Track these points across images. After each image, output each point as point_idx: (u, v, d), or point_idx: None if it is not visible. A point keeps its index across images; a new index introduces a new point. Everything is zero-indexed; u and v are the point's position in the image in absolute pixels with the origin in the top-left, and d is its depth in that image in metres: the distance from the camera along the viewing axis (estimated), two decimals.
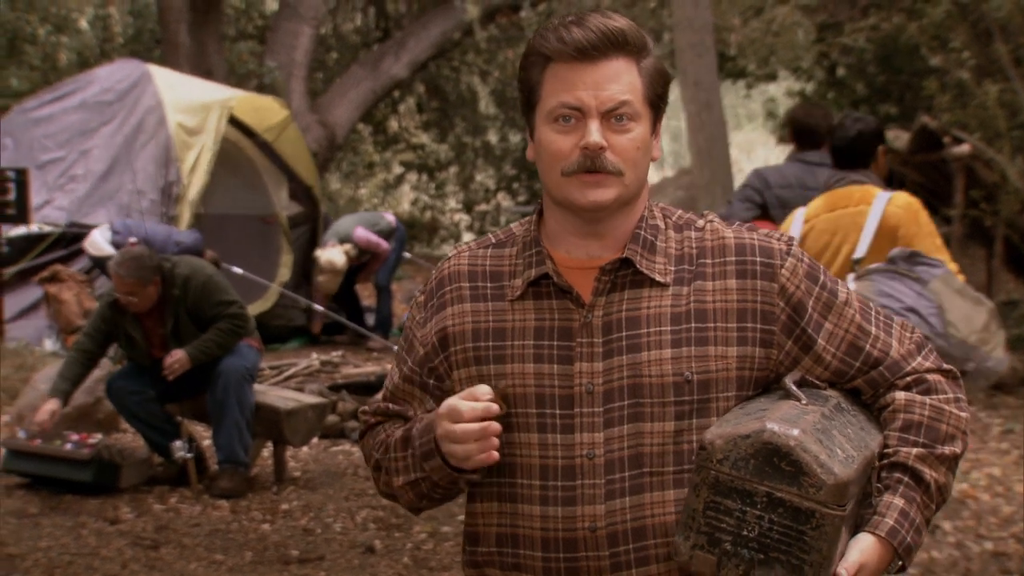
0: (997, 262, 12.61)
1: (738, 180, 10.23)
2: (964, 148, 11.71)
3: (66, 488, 6.92)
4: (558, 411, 2.13)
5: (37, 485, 7.03)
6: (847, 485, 1.95)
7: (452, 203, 24.13)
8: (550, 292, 2.17)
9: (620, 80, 2.10)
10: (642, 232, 2.17)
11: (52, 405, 6.84)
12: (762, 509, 1.97)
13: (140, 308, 6.84)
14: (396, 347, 2.19)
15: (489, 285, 2.22)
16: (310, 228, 12.64)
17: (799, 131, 6.80)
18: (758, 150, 28.63)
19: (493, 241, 2.27)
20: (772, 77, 21.86)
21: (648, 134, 2.15)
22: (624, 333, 2.13)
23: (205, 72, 15.51)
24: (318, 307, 11.47)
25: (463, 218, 23.90)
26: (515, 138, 24.13)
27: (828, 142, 6.75)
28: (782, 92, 24.17)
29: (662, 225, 2.20)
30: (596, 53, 2.09)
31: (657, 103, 2.16)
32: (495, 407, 2.07)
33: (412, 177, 24.51)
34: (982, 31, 10.69)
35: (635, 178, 2.13)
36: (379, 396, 2.37)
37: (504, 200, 23.48)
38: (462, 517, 6.88)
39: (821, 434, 1.99)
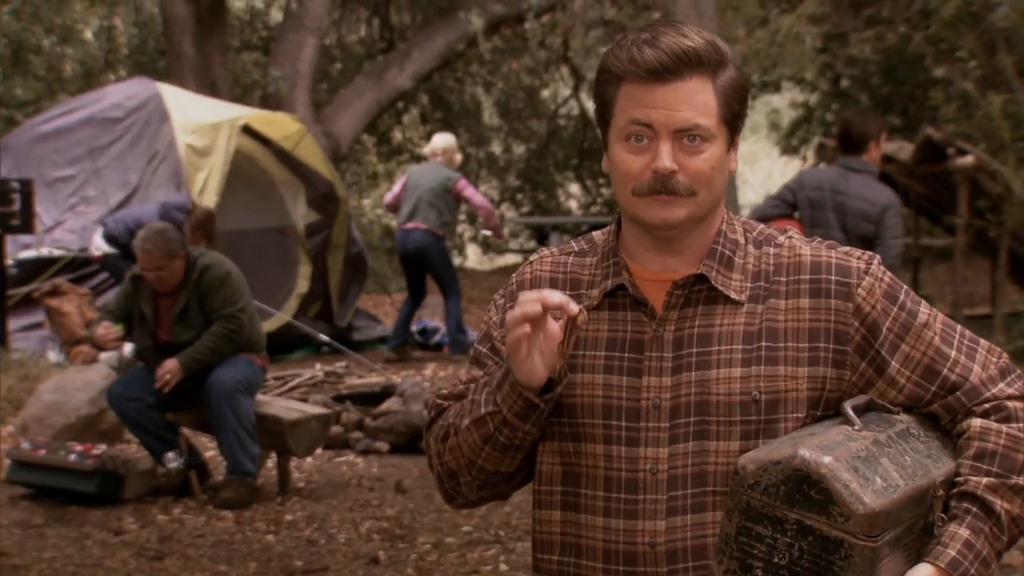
0: (1001, 273, 12.60)
1: (741, 191, 10.28)
2: (968, 159, 11.71)
3: (70, 499, 6.92)
4: (624, 423, 2.12)
5: (41, 496, 7.03)
6: (878, 515, 1.91)
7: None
8: (625, 303, 2.16)
9: (693, 101, 2.06)
10: (719, 247, 2.15)
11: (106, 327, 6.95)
12: (792, 537, 1.94)
13: (166, 285, 6.91)
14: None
15: (568, 293, 2.17)
16: (326, 235, 12.62)
17: (840, 136, 7.19)
18: (762, 161, 28.61)
19: (575, 249, 2.26)
20: (776, 88, 21.89)
21: (723, 152, 2.11)
22: (695, 349, 2.11)
23: (209, 83, 15.54)
24: (323, 337, 11.45)
25: (467, 229, 23.93)
26: (519, 149, 24.15)
27: (871, 148, 6.95)
28: (786, 103, 24.20)
29: (742, 240, 2.17)
30: (668, 74, 2.05)
31: (734, 120, 2.12)
32: (561, 299, 2.00)
33: None
34: (987, 42, 10.69)
35: (709, 197, 2.10)
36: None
37: (508, 211, 23.49)
38: (466, 528, 6.89)
39: (860, 462, 1.95)
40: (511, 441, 2.12)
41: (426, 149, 11.87)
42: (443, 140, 11.85)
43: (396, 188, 11.76)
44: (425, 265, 11.58)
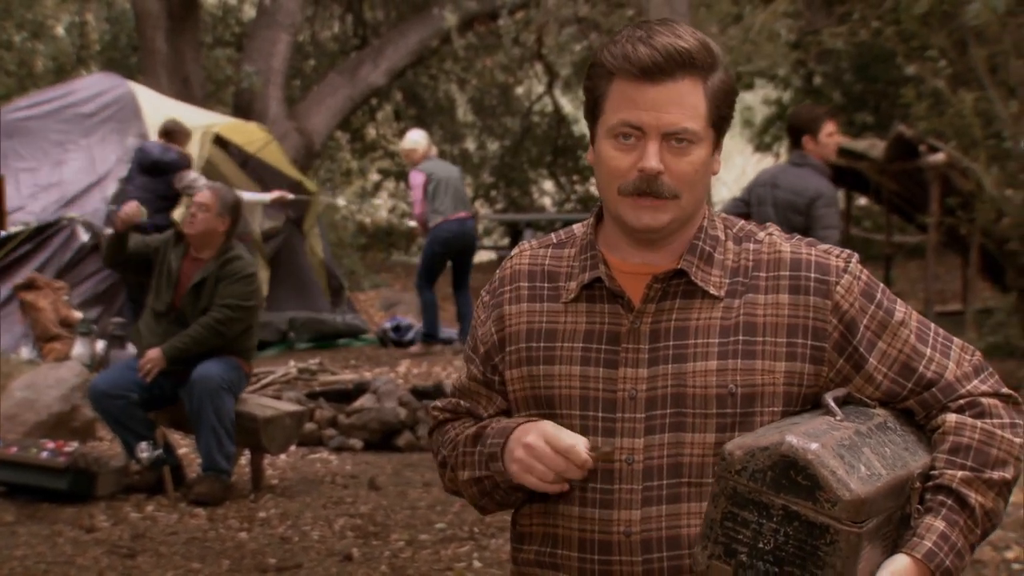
0: (973, 270, 12.66)
1: (715, 188, 10.31)
2: (940, 157, 11.76)
3: (42, 496, 6.89)
4: (600, 414, 2.14)
5: (13, 493, 6.99)
6: (864, 502, 1.93)
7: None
8: (603, 296, 2.19)
9: (684, 103, 2.08)
10: (700, 243, 2.17)
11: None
12: (778, 522, 1.96)
13: (198, 238, 7.05)
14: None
15: (546, 286, 2.24)
16: (285, 237, 12.68)
17: (787, 130, 7.33)
18: (735, 158, 28.67)
19: (554, 241, 2.29)
20: (749, 85, 21.93)
21: (709, 154, 2.14)
22: (671, 342, 2.14)
23: (182, 79, 15.49)
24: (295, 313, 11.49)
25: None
26: (493, 146, 24.14)
27: (806, 141, 7.10)
28: (759, 100, 24.26)
29: (722, 236, 2.20)
30: (661, 74, 2.07)
31: (721, 123, 2.14)
32: (577, 472, 2.10)
33: (390, 184, 24.49)
34: (958, 39, 10.74)
35: (692, 199, 2.13)
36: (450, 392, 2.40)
37: (482, 208, 23.48)
38: (440, 525, 6.87)
39: (845, 450, 1.98)
40: (507, 500, 2.24)
41: (419, 146, 11.75)
42: (425, 135, 11.97)
43: (419, 193, 11.63)
44: (469, 253, 11.80)
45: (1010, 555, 5.95)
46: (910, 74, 13.53)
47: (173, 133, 10.57)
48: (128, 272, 7.34)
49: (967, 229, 11.33)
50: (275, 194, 11.78)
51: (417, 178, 11.63)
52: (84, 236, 10.82)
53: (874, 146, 13.50)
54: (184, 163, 10.40)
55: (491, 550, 6.08)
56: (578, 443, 2.08)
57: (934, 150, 11.86)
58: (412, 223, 12.89)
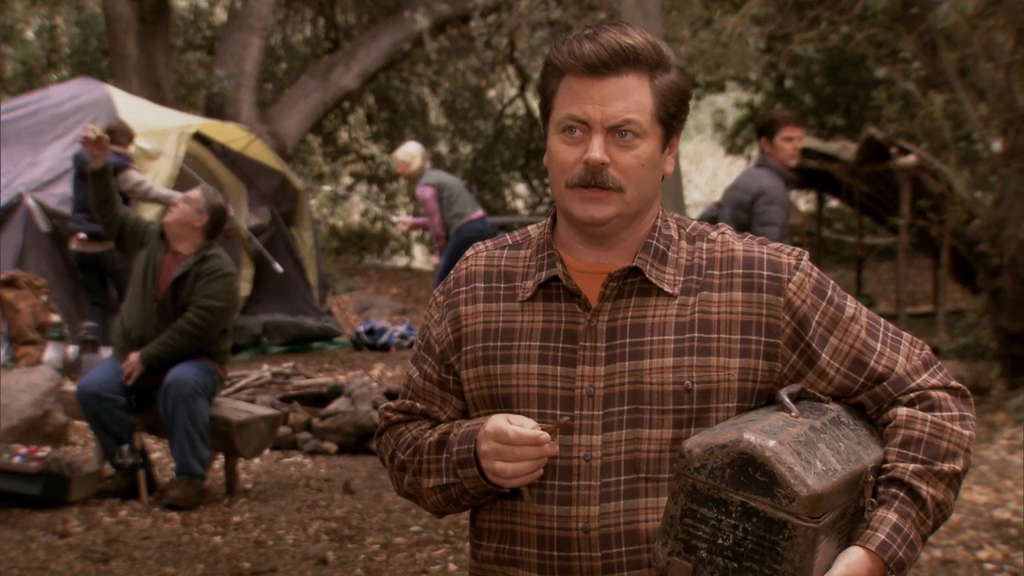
0: (943, 272, 12.75)
1: (687, 191, 10.35)
2: (910, 159, 11.84)
3: (14, 501, 6.85)
4: (559, 412, 2.17)
5: None
6: (820, 498, 1.97)
7: (403, 214, 24.15)
8: (559, 294, 2.22)
9: (628, 97, 2.13)
10: (654, 241, 2.21)
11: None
12: (737, 518, 1.99)
13: (176, 230, 7.06)
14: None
15: (502, 286, 2.26)
16: (272, 234, 12.68)
17: (755, 132, 7.45)
18: (707, 161, 28.76)
19: (510, 242, 2.32)
20: (721, 88, 22.01)
21: (656, 150, 2.17)
22: (628, 340, 2.17)
23: (153, 83, 15.44)
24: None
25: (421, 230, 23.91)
26: (465, 149, 24.14)
27: (763, 142, 7.22)
28: (731, 103, 24.34)
29: (675, 235, 2.24)
30: (606, 69, 2.12)
31: (669, 120, 2.18)
32: (546, 436, 2.11)
33: (362, 188, 24.46)
34: (928, 42, 10.80)
35: (638, 195, 2.16)
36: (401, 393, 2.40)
37: None
38: (415, 528, 6.85)
39: (802, 446, 2.01)
40: (473, 503, 2.25)
41: (414, 160, 11.69)
42: (421, 147, 12.04)
43: (434, 204, 11.53)
44: None
45: (983, 555, 5.99)
46: (881, 77, 13.60)
47: (115, 132, 10.35)
48: (123, 241, 7.29)
49: (938, 231, 11.40)
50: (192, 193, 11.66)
51: (426, 192, 11.54)
52: (44, 226, 10.75)
53: (845, 148, 13.58)
54: (122, 165, 10.21)
55: (466, 553, 6.09)
56: (522, 429, 2.11)
57: (905, 152, 11.93)
58: (399, 224, 12.79)
